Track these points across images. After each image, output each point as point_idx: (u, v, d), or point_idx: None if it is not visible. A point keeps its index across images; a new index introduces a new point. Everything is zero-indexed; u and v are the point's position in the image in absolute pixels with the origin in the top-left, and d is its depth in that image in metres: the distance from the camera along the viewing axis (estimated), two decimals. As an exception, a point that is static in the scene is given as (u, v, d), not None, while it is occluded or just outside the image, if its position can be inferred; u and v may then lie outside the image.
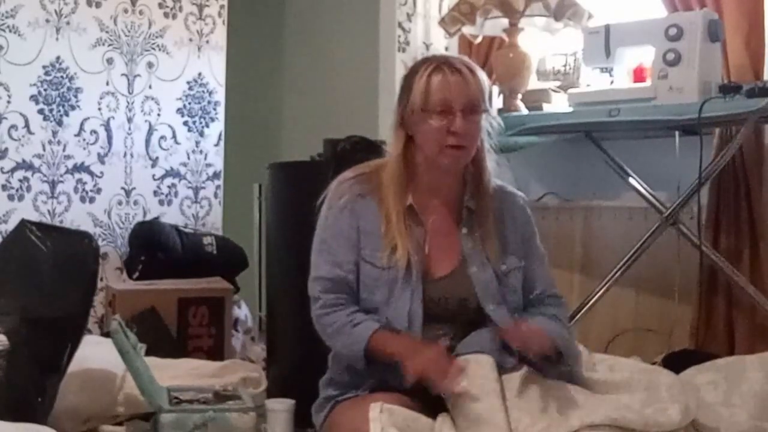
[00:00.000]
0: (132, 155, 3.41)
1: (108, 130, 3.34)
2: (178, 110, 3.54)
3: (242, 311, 3.29)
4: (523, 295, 1.89)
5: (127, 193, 3.40)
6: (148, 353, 2.35)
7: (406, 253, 1.79)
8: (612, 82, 2.69)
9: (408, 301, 1.79)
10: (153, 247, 3.27)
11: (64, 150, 3.22)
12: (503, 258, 1.86)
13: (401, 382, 1.69)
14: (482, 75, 1.84)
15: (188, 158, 3.57)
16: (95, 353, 2.32)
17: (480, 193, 1.89)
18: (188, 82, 3.57)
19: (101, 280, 3.13)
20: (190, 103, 3.57)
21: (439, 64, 1.81)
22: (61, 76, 3.20)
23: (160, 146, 3.49)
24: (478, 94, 1.81)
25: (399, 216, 1.82)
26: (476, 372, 1.70)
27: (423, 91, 1.80)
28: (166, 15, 3.49)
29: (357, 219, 1.84)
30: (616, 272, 2.66)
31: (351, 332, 1.77)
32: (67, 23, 3.20)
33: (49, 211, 3.18)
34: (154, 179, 3.48)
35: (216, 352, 2.98)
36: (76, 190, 3.26)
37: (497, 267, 1.84)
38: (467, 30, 3.04)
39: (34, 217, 3.05)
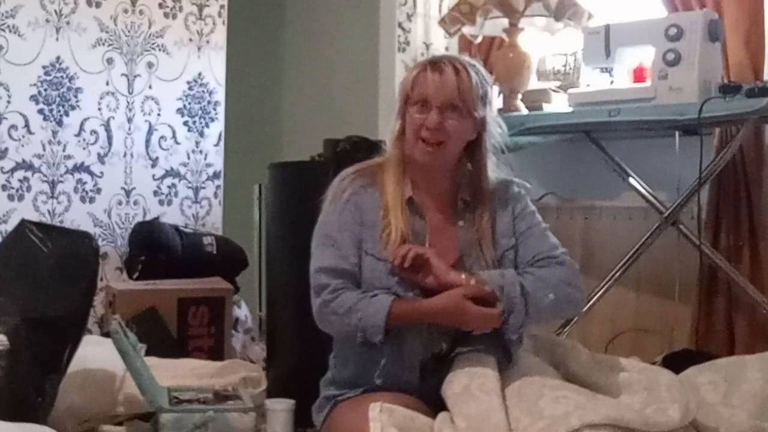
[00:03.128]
0: (132, 155, 3.41)
1: (108, 130, 3.34)
2: (178, 110, 3.54)
3: (242, 311, 3.29)
4: (518, 267, 1.87)
5: (127, 193, 3.40)
6: (148, 353, 2.35)
7: (399, 236, 1.80)
8: (612, 82, 2.69)
9: (410, 295, 1.80)
10: (153, 247, 3.27)
11: (64, 150, 3.22)
12: (496, 244, 1.87)
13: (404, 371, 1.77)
14: (472, 76, 1.83)
15: (188, 158, 3.58)
16: (95, 353, 2.32)
17: (476, 187, 1.90)
18: (188, 82, 3.57)
19: (101, 280, 3.12)
20: (190, 103, 3.57)
21: (428, 62, 1.87)
22: (61, 76, 3.20)
23: (160, 146, 3.49)
24: (457, 93, 1.81)
25: (396, 204, 1.83)
26: (476, 371, 1.71)
27: (405, 86, 1.87)
28: (166, 15, 3.49)
29: (360, 213, 1.85)
30: (616, 272, 2.66)
31: (370, 302, 1.76)
32: (67, 23, 3.20)
33: (49, 211, 3.18)
34: (154, 179, 3.48)
35: (216, 352, 2.98)
36: (76, 190, 3.26)
37: (492, 256, 1.85)
38: (467, 30, 3.03)
39: (34, 217, 3.05)
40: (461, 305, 1.75)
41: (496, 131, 1.91)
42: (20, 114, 3.11)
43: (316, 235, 1.88)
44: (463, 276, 1.78)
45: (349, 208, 1.85)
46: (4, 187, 3.07)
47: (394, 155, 1.89)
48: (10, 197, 3.09)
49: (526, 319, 1.78)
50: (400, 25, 3.48)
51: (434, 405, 1.74)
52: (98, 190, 3.32)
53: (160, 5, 3.47)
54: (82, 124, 3.27)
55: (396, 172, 1.87)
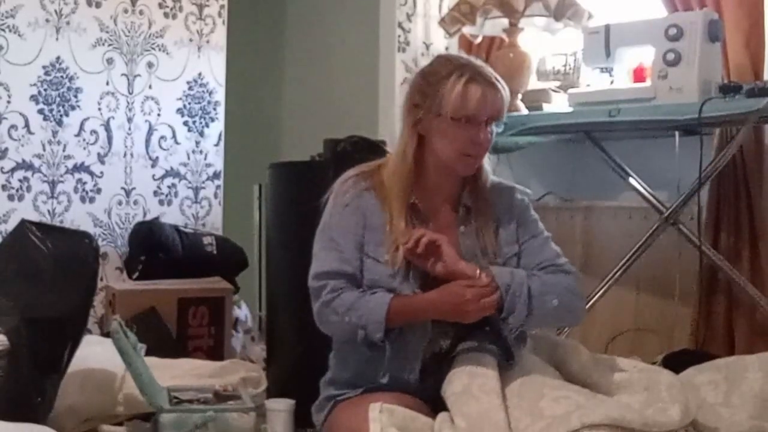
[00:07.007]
0: (132, 155, 3.41)
1: (108, 130, 3.34)
2: (178, 110, 3.54)
3: (242, 311, 3.29)
4: None
5: (127, 193, 3.40)
6: (148, 353, 2.35)
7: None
8: (612, 82, 2.69)
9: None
10: (153, 247, 3.26)
11: (64, 150, 3.22)
12: (499, 251, 1.87)
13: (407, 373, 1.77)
14: (505, 86, 1.84)
15: (188, 158, 3.57)
16: (95, 353, 2.32)
17: (477, 190, 1.90)
18: (188, 82, 3.57)
19: (101, 280, 3.12)
20: (190, 103, 3.57)
21: (474, 74, 1.79)
22: (61, 76, 3.20)
23: (160, 146, 3.49)
24: (504, 107, 1.83)
25: (401, 214, 1.82)
26: (477, 371, 1.71)
27: (457, 100, 1.78)
28: (166, 15, 3.49)
29: (363, 216, 1.84)
30: (616, 272, 2.66)
31: (369, 300, 1.77)
32: (67, 23, 3.20)
33: (49, 211, 3.18)
34: (154, 179, 3.48)
35: (216, 352, 2.98)
36: (76, 190, 3.26)
37: (493, 262, 1.84)
38: (467, 30, 3.04)
39: (34, 217, 3.05)
40: (457, 290, 1.75)
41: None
42: (20, 114, 3.11)
43: (318, 238, 1.88)
44: (476, 269, 1.78)
45: (351, 210, 1.85)
46: (4, 187, 3.07)
47: (404, 166, 1.84)
48: (10, 197, 3.09)
49: (526, 320, 1.78)
50: (400, 25, 3.48)
51: (434, 405, 1.74)
52: (98, 190, 3.32)
53: (160, 5, 3.47)
54: (82, 124, 3.27)
55: (403, 182, 1.84)
